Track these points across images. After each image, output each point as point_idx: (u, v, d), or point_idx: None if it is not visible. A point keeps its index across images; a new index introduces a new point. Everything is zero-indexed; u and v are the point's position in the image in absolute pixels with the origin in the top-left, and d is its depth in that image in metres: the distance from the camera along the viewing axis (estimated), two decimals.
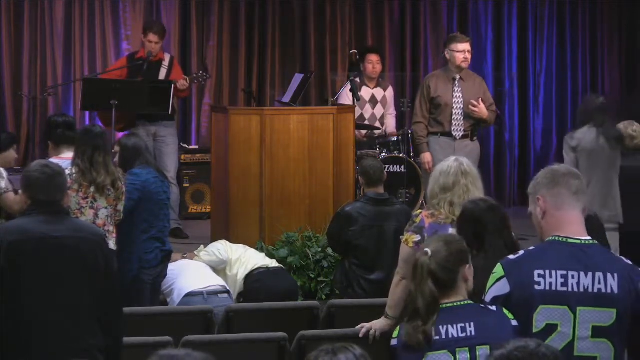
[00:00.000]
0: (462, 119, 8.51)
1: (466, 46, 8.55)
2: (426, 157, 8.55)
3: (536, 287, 3.55)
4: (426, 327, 3.63)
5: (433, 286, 3.67)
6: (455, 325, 3.64)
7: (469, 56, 8.56)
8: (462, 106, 8.51)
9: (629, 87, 11.93)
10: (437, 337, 3.64)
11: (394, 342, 3.78)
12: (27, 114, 10.57)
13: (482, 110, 8.51)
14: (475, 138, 8.64)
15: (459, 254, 3.78)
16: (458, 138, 8.52)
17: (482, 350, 3.61)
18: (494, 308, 3.64)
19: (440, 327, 3.65)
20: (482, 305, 3.69)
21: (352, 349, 2.84)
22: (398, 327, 3.83)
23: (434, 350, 3.63)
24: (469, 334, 3.63)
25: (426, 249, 3.76)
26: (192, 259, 7.39)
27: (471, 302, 3.73)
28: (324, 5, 11.33)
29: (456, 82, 8.55)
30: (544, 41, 11.83)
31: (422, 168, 8.75)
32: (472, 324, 3.63)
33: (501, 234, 4.48)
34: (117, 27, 10.85)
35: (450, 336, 3.63)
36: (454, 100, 8.52)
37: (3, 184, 6.57)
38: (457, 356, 3.61)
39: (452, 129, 8.53)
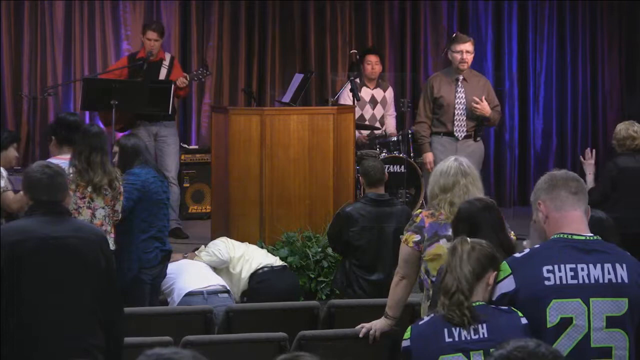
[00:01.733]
0: (464, 119, 8.52)
1: (465, 46, 8.54)
2: (428, 156, 8.57)
3: (546, 282, 3.55)
4: (469, 302, 3.64)
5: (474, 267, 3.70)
6: (468, 327, 3.64)
7: (467, 56, 8.55)
8: (464, 107, 8.52)
9: (629, 87, 11.93)
10: (450, 340, 3.63)
11: (406, 343, 3.76)
12: (27, 114, 10.57)
13: (484, 107, 8.49)
14: (478, 139, 8.64)
15: (493, 258, 3.78)
16: (460, 138, 8.53)
17: None
18: (505, 308, 3.64)
19: (453, 329, 3.64)
20: (494, 306, 3.69)
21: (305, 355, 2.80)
22: (409, 329, 3.81)
23: (448, 353, 3.62)
24: (481, 336, 3.62)
25: (466, 238, 3.78)
26: (192, 259, 7.39)
27: (484, 302, 3.72)
28: (324, 5, 11.33)
29: (459, 83, 8.56)
30: (544, 41, 11.83)
31: (424, 168, 8.75)
32: (484, 325, 3.63)
33: (496, 233, 4.48)
34: (117, 27, 10.85)
35: (463, 338, 3.63)
36: (456, 101, 8.53)
37: (2, 183, 6.57)
38: (472, 359, 3.61)
39: (455, 129, 8.53)
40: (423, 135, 8.62)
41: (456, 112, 8.53)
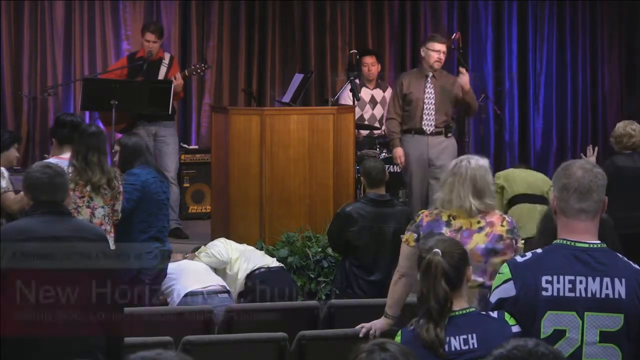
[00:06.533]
0: (433, 114, 8.56)
1: (442, 47, 8.61)
2: (398, 151, 8.59)
3: (543, 293, 3.49)
4: (438, 330, 3.58)
5: (447, 286, 3.64)
6: (457, 337, 3.59)
7: (442, 57, 8.61)
8: (433, 102, 8.56)
9: (629, 87, 11.93)
10: (440, 350, 3.59)
11: None
12: (27, 114, 10.57)
13: (466, 79, 8.61)
14: (450, 135, 8.67)
15: (464, 254, 3.77)
16: (429, 133, 8.54)
17: None
18: (495, 315, 3.58)
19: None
20: (484, 313, 3.64)
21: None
22: (400, 332, 3.77)
23: None
24: (471, 346, 3.58)
25: (435, 249, 3.71)
26: (192, 259, 7.40)
27: (473, 309, 3.69)
28: (324, 5, 11.34)
29: (428, 79, 8.60)
30: (544, 41, 11.84)
31: (396, 163, 8.78)
32: (474, 335, 3.59)
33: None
34: (117, 27, 10.86)
35: (453, 349, 3.58)
36: (425, 96, 8.56)
37: (4, 184, 6.58)
38: None
39: (423, 124, 8.55)
40: (393, 131, 8.66)
41: (425, 107, 8.56)
